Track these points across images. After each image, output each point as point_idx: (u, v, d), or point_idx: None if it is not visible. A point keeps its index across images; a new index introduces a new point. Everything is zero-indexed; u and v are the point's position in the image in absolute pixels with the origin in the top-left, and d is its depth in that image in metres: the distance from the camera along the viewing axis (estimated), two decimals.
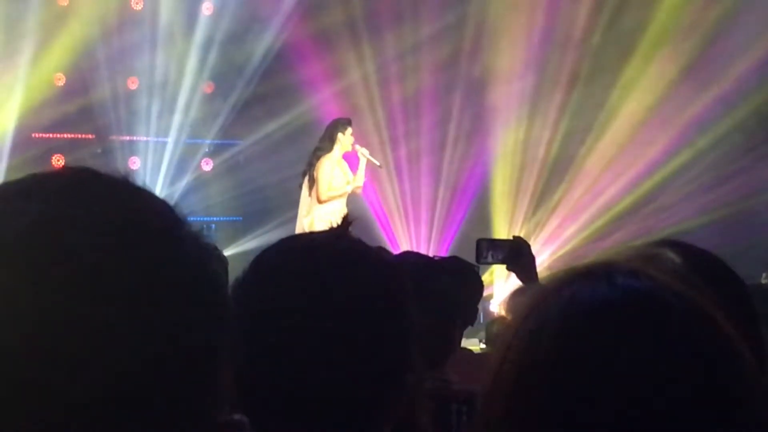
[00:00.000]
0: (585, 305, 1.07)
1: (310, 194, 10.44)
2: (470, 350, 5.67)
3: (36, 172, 1.02)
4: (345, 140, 10.45)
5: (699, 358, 1.03)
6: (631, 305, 1.06)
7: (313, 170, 10.40)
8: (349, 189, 10.43)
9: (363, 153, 10.59)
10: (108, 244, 0.94)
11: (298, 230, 10.20)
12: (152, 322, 0.93)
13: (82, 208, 0.96)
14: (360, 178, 10.57)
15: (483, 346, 7.60)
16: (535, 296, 1.13)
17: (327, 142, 10.49)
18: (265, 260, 1.70)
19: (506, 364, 1.09)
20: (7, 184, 1.01)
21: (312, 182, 10.41)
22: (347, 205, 10.40)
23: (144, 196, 1.03)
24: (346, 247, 1.69)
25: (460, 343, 4.62)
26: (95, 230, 0.94)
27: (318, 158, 10.40)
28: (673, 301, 1.06)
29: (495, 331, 6.00)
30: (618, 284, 1.08)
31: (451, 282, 3.40)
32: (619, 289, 1.07)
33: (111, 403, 0.91)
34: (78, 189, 0.99)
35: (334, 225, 1.76)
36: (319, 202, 10.36)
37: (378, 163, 10.75)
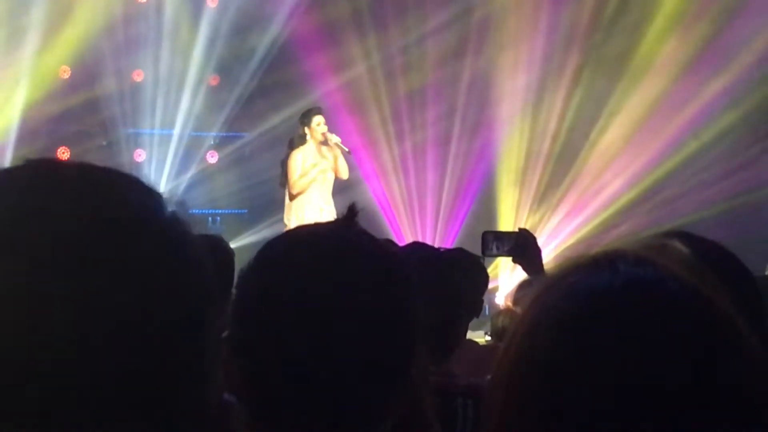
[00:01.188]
0: (585, 293, 1.06)
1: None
2: (476, 342, 5.66)
3: (3, 168, 1.03)
4: (314, 131, 10.36)
5: (701, 347, 1.01)
6: (631, 293, 1.04)
7: (285, 167, 10.44)
8: (314, 173, 10.26)
9: (335, 141, 10.39)
10: (63, 236, 0.95)
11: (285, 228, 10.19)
12: (114, 308, 0.94)
13: (39, 202, 0.97)
14: (338, 167, 10.40)
15: (488, 338, 7.60)
16: (540, 287, 1.13)
17: (296, 137, 10.47)
18: (270, 251, 1.69)
19: (506, 355, 1.09)
20: None
21: (285, 179, 10.42)
22: (343, 195, 10.34)
23: (106, 182, 1.03)
24: (352, 238, 1.68)
25: (465, 335, 4.62)
26: (51, 223, 0.95)
27: (287, 155, 10.41)
28: (676, 289, 1.04)
29: (500, 324, 6.00)
30: (620, 272, 1.06)
31: (457, 274, 3.39)
32: (621, 277, 1.06)
33: (92, 384, 0.92)
34: (36, 183, 1.00)
35: (317, 217, 1.76)
36: (291, 196, 10.34)
37: (347, 150, 10.51)
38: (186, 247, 1.03)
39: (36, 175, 1.01)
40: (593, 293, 1.06)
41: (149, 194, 1.04)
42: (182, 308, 0.99)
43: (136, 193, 1.04)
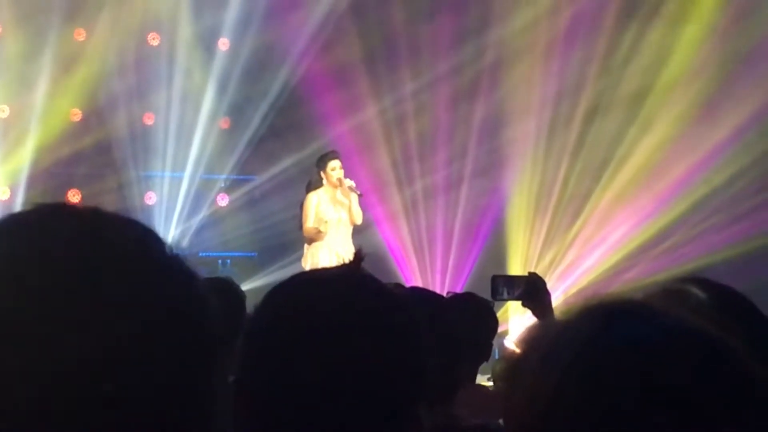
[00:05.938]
0: (586, 348, 1.06)
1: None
2: (485, 386, 5.64)
3: (15, 212, 1.08)
4: (330, 176, 10.33)
5: (703, 400, 1.00)
6: (631, 349, 1.04)
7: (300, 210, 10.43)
8: (329, 223, 10.20)
9: (348, 185, 10.36)
10: (68, 278, 0.97)
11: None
12: (116, 345, 0.95)
13: (46, 245, 1.00)
14: (352, 212, 10.37)
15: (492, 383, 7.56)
16: (544, 332, 1.12)
17: (313, 181, 10.49)
18: (277, 294, 1.71)
19: (511, 401, 1.08)
20: None
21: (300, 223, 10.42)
22: (354, 239, 10.33)
23: (112, 226, 1.05)
24: (358, 281, 1.70)
25: (474, 379, 4.60)
26: (56, 265, 0.97)
27: (305, 198, 10.43)
28: (678, 345, 1.04)
29: (499, 369, 5.97)
30: (623, 327, 1.06)
31: (457, 317, 3.40)
32: (623, 332, 1.06)
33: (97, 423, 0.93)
34: (44, 225, 1.03)
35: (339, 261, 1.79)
36: (306, 239, 10.33)
37: (359, 193, 10.47)
38: (189, 287, 1.04)
39: (45, 218, 1.04)
40: (595, 349, 1.05)
41: (150, 235, 1.06)
42: (186, 344, 0.99)
43: (141, 234, 1.05)
